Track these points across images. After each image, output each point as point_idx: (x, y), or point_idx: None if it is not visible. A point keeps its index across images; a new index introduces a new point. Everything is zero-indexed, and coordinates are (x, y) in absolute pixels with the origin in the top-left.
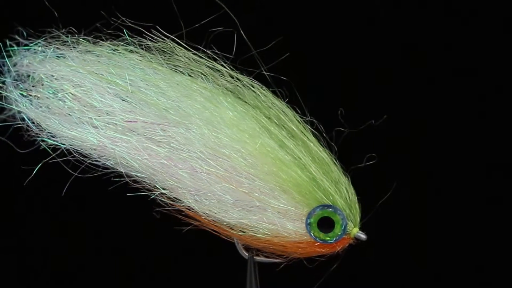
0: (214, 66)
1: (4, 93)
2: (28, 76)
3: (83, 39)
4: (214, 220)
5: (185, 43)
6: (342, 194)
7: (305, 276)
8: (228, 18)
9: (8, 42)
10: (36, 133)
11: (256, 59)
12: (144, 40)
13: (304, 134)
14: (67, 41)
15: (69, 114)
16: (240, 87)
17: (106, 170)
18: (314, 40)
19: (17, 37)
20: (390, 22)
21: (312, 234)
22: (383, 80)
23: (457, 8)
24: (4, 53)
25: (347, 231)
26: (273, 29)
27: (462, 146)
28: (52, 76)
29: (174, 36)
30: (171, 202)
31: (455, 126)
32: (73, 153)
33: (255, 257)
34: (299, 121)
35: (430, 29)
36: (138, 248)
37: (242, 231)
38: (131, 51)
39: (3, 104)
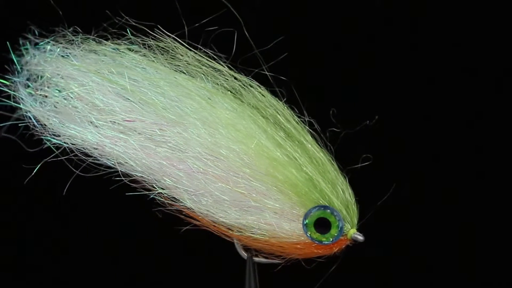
0: (213, 65)
1: (12, 92)
2: (37, 75)
3: (89, 38)
4: (212, 221)
5: (185, 43)
6: (339, 195)
7: (305, 276)
8: (228, 18)
9: (20, 41)
10: (41, 132)
11: (254, 59)
12: (147, 39)
13: (301, 134)
14: (74, 41)
15: (73, 113)
16: (238, 87)
17: (109, 170)
18: (314, 40)
19: (29, 36)
20: (390, 22)
21: (309, 235)
22: (383, 80)
23: (456, 8)
24: (16, 52)
25: (343, 232)
26: (273, 29)
27: (461, 147)
28: (58, 75)
29: (175, 36)
30: (171, 202)
31: (454, 126)
32: (75, 151)
33: (254, 258)
34: (296, 121)
35: (430, 29)
36: (138, 248)
37: (239, 232)
38: (134, 51)
39: (11, 103)
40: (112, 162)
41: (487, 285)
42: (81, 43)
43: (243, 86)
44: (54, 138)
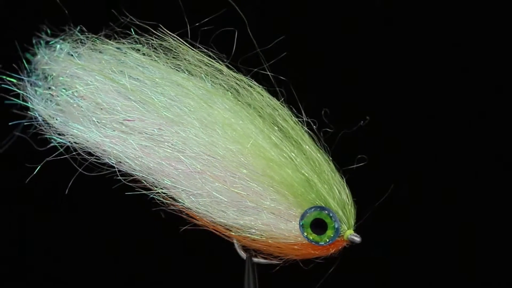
0: (213, 64)
1: (21, 92)
2: (47, 74)
3: (97, 38)
4: (211, 221)
5: (187, 42)
6: (335, 196)
7: (305, 276)
8: (228, 18)
9: (33, 40)
10: (45, 131)
11: (254, 59)
12: (149, 39)
13: (299, 135)
14: (82, 40)
15: (77, 112)
16: (237, 86)
17: (111, 169)
18: (314, 40)
19: (40, 35)
20: (390, 22)
21: (305, 236)
22: (383, 80)
23: (456, 8)
24: (27, 52)
25: (340, 234)
26: (273, 29)
27: (460, 147)
28: (66, 74)
29: (177, 35)
30: (170, 202)
31: (454, 126)
32: (78, 150)
33: (253, 258)
34: (294, 122)
35: (431, 29)
36: (138, 248)
37: (237, 232)
38: (137, 50)
39: (20, 102)
40: (113, 162)
41: (487, 285)
42: (89, 42)
43: (241, 85)
44: (58, 137)
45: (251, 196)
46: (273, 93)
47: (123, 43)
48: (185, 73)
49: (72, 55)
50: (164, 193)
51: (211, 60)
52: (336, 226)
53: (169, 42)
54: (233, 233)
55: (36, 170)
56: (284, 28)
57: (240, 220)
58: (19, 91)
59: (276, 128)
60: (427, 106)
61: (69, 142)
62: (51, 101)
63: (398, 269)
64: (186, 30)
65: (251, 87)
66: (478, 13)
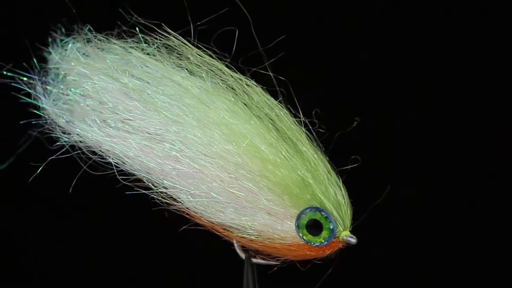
0: (213, 63)
1: (31, 91)
2: (58, 73)
3: (105, 37)
4: (209, 221)
5: (186, 40)
6: (331, 197)
7: (305, 276)
8: (229, 17)
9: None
10: (52, 130)
11: (254, 59)
12: (155, 37)
13: (295, 135)
14: (92, 40)
15: (83, 111)
16: (235, 85)
17: (115, 169)
18: (314, 40)
19: (55, 34)
20: (390, 21)
21: (301, 237)
22: (383, 80)
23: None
24: (41, 50)
25: (335, 235)
26: (273, 29)
27: (459, 147)
28: (77, 73)
29: (177, 33)
30: (170, 202)
31: (453, 127)
32: (83, 149)
33: (251, 258)
34: (291, 122)
35: (430, 30)
36: (138, 247)
37: (235, 232)
38: (142, 49)
39: (30, 101)
40: (115, 161)
41: (486, 285)
42: (96, 41)
43: (239, 85)
44: (65, 136)
45: (247, 197)
46: (273, 93)
47: (129, 42)
48: (187, 72)
49: (80, 54)
50: (163, 192)
51: (212, 59)
52: (331, 227)
53: (173, 41)
54: (230, 233)
55: (40, 169)
56: (285, 27)
57: (237, 220)
58: (29, 90)
59: (272, 128)
60: (426, 106)
61: (75, 141)
62: (59, 100)
63: (397, 270)
64: (189, 29)
65: (248, 86)
66: (480, 13)
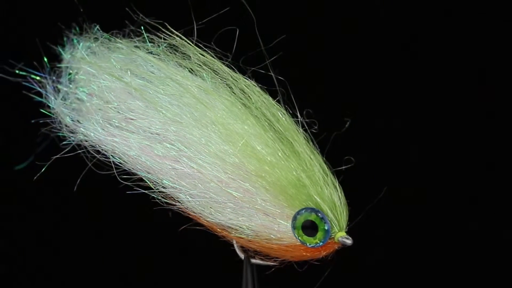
0: (213, 63)
1: (42, 91)
2: (69, 72)
3: (109, 36)
4: (208, 221)
5: (187, 39)
6: (327, 197)
7: (306, 276)
8: (229, 17)
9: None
10: (60, 129)
11: (255, 59)
12: (157, 37)
13: (291, 135)
14: (99, 39)
15: (86, 110)
16: (232, 85)
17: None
18: (314, 40)
19: (66, 33)
20: (389, 22)
21: (297, 237)
22: (383, 80)
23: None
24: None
25: (331, 236)
26: (273, 29)
27: (458, 147)
28: (82, 71)
29: (181, 33)
30: (170, 201)
31: (453, 127)
32: (88, 148)
33: (250, 259)
34: (288, 122)
35: (431, 30)
36: (138, 247)
37: (232, 232)
38: (145, 49)
39: (40, 99)
40: (118, 160)
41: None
42: (105, 40)
43: (238, 84)
44: (71, 135)
45: (243, 197)
46: (273, 93)
47: (133, 42)
48: (189, 72)
49: (87, 53)
50: (163, 192)
51: (212, 58)
52: (326, 228)
53: (176, 41)
54: (228, 234)
55: (44, 168)
56: (284, 28)
57: (235, 220)
58: (39, 89)
59: (269, 128)
60: (425, 107)
61: (80, 140)
62: (67, 99)
63: (395, 270)
64: (193, 29)
65: (246, 86)
66: (480, 13)
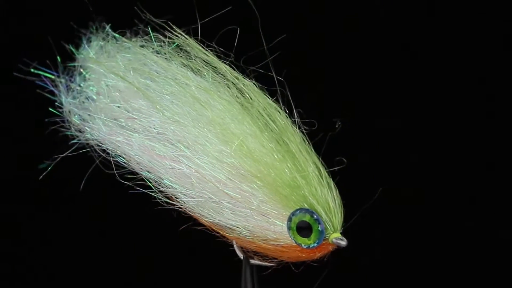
0: (213, 63)
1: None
2: (81, 72)
3: (117, 36)
4: (206, 221)
5: (188, 39)
6: (322, 198)
7: (306, 276)
8: (229, 16)
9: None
10: (67, 128)
11: (255, 59)
12: (166, 35)
13: (287, 135)
14: (109, 38)
15: (93, 109)
16: (230, 85)
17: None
18: (314, 40)
19: (80, 32)
20: (389, 21)
21: (293, 238)
22: (382, 80)
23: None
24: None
25: (325, 237)
26: (273, 29)
27: (456, 148)
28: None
29: (186, 32)
30: (171, 201)
31: (452, 128)
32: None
33: (250, 259)
34: (285, 122)
35: (430, 30)
36: (138, 247)
37: (230, 233)
38: (149, 48)
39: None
40: (122, 160)
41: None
42: (113, 40)
43: (236, 84)
44: (79, 134)
45: (239, 197)
46: (272, 93)
47: (137, 41)
48: (190, 71)
49: (97, 53)
50: (163, 192)
51: (212, 58)
52: (320, 229)
53: (180, 39)
54: (226, 234)
55: (51, 167)
56: (285, 27)
57: (233, 221)
58: (51, 88)
59: (266, 127)
60: (425, 107)
61: (87, 139)
62: (77, 97)
63: (393, 270)
64: (197, 28)
65: (244, 85)
66: (481, 13)
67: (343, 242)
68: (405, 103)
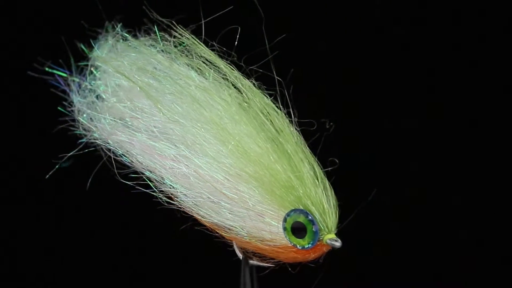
0: (213, 63)
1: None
2: (91, 71)
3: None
4: (205, 220)
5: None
6: (316, 199)
7: (306, 276)
8: (230, 16)
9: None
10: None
11: (256, 58)
12: (172, 34)
13: (283, 135)
14: (121, 38)
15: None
16: (229, 85)
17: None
18: (314, 40)
19: (92, 32)
20: (390, 21)
21: (288, 239)
22: (382, 80)
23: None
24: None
25: (319, 238)
26: (273, 28)
27: (454, 148)
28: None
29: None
30: (172, 201)
31: (451, 128)
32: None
33: (249, 260)
34: (282, 122)
35: (431, 30)
36: (138, 247)
37: (228, 233)
38: (155, 48)
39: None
40: (126, 159)
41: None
42: (122, 39)
43: (236, 84)
44: (87, 133)
45: (236, 198)
46: (271, 94)
47: (143, 41)
48: (192, 70)
49: (107, 52)
50: (164, 192)
51: (212, 57)
52: (314, 230)
53: (187, 39)
54: (224, 234)
55: (57, 167)
56: (284, 27)
57: (230, 221)
58: (63, 87)
59: (262, 128)
60: (425, 107)
61: (94, 138)
62: (86, 97)
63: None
64: (200, 28)
65: (243, 85)
66: (481, 14)
67: (338, 243)
68: (405, 103)
